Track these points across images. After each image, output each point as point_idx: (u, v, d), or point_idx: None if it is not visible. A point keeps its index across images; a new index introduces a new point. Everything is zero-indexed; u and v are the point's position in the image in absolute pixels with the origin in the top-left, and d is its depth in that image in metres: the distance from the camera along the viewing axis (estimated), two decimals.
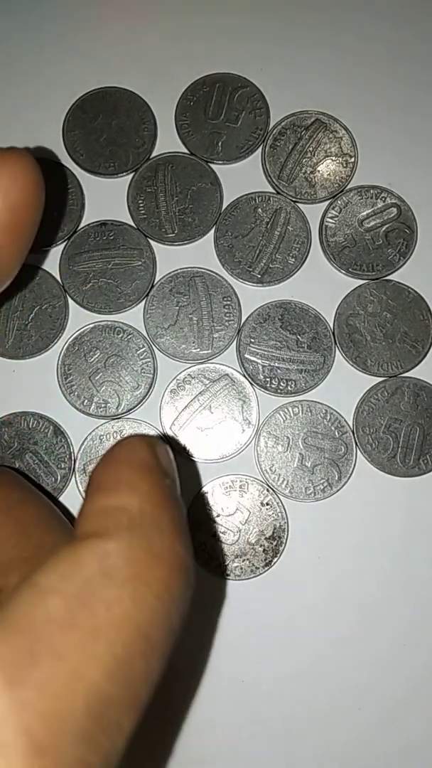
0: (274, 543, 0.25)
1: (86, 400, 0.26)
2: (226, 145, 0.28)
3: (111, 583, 0.13)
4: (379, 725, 0.25)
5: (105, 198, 0.28)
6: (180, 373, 0.26)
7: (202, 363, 0.27)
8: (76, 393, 0.26)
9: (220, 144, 0.28)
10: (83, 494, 0.26)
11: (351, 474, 0.26)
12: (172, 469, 0.16)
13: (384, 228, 0.27)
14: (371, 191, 0.28)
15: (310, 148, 0.28)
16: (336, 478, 0.26)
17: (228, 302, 0.27)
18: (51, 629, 0.12)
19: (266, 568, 0.25)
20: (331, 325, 0.27)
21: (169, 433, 0.26)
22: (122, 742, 0.13)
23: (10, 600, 0.13)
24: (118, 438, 0.26)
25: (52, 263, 0.27)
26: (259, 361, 0.26)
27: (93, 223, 0.27)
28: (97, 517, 0.14)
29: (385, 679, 0.25)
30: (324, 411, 0.26)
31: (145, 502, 0.14)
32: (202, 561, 0.25)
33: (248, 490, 0.26)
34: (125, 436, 0.17)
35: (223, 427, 0.26)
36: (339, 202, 0.27)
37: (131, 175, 0.28)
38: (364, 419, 0.26)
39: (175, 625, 0.14)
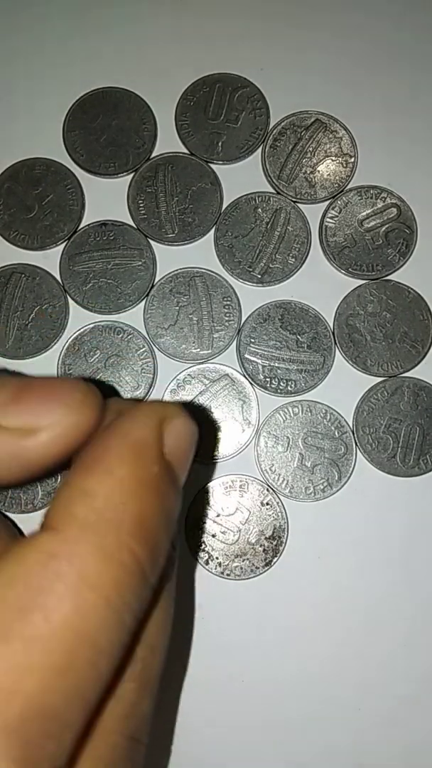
0: (274, 543, 0.25)
1: None
2: (226, 145, 0.28)
3: (53, 587, 0.12)
4: (379, 725, 0.25)
5: (105, 198, 0.28)
6: (180, 373, 0.26)
7: (202, 363, 0.27)
8: None
9: (220, 144, 0.28)
10: None
11: (351, 474, 0.26)
12: (179, 453, 0.14)
13: (384, 228, 0.27)
14: (371, 191, 0.28)
15: (310, 149, 0.28)
16: (336, 478, 0.26)
17: (228, 302, 0.27)
18: None
19: (266, 568, 0.25)
20: (331, 325, 0.27)
21: None
22: (69, 740, 0.12)
23: None
24: None
25: (52, 263, 0.27)
26: (259, 361, 0.26)
27: (93, 223, 0.27)
28: (64, 503, 0.13)
29: (385, 678, 0.25)
30: (324, 411, 0.26)
31: (115, 491, 0.13)
32: (202, 561, 0.25)
33: (248, 489, 0.26)
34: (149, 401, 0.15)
35: (223, 427, 0.26)
36: (339, 202, 0.27)
37: (131, 176, 0.28)
38: (364, 419, 0.26)
39: (129, 626, 0.13)
